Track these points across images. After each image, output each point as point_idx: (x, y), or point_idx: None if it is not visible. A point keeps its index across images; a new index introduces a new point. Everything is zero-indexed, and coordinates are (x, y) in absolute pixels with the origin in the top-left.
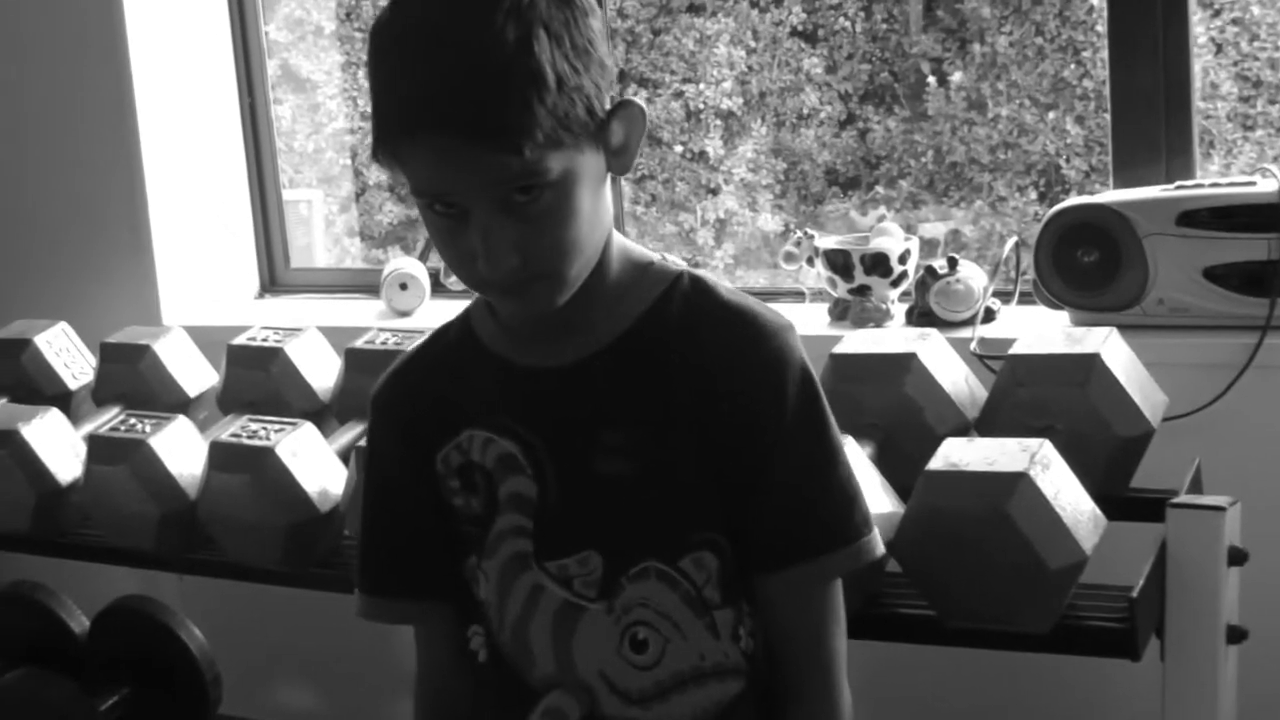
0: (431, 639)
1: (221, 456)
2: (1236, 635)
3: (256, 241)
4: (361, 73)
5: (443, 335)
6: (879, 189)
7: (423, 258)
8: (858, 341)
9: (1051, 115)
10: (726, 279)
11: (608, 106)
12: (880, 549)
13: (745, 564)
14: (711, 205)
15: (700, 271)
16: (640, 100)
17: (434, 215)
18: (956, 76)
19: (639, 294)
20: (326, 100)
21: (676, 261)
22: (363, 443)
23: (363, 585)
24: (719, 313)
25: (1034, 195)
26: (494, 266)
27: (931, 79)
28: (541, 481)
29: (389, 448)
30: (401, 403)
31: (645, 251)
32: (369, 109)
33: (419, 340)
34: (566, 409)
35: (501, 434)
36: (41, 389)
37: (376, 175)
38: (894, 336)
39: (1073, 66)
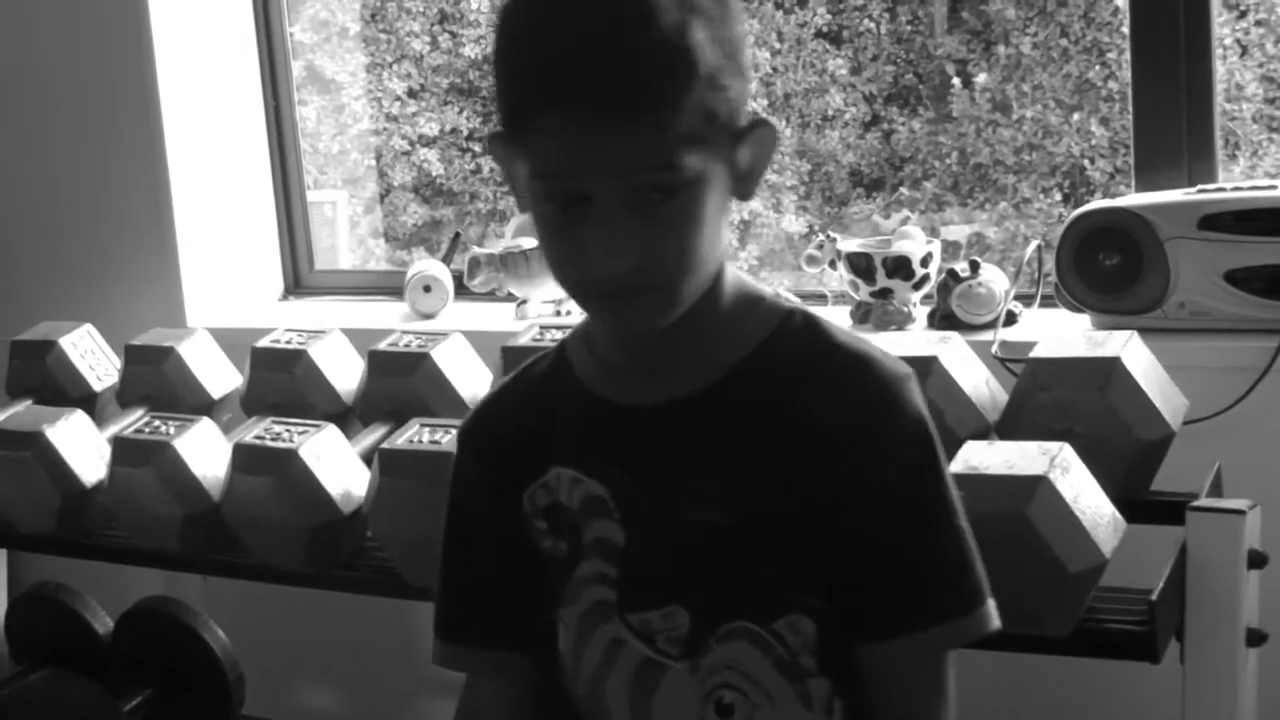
0: (503, 690)
1: (245, 458)
2: (1256, 638)
3: (281, 243)
4: (385, 74)
5: (533, 368)
6: (903, 190)
7: (446, 260)
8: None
9: (1076, 117)
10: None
11: (743, 123)
12: (995, 621)
13: (844, 630)
14: (735, 206)
15: (815, 311)
16: (775, 121)
17: (549, 207)
18: (981, 78)
19: (748, 330)
20: (351, 101)
21: (790, 298)
22: (385, 444)
23: (439, 630)
24: (832, 355)
25: (1058, 197)
26: (612, 261)
27: (956, 80)
28: (629, 527)
29: (473, 484)
30: (487, 437)
31: (759, 285)
32: (393, 110)
33: (510, 374)
34: (662, 451)
35: (590, 474)
36: (66, 391)
37: (401, 176)
38: (915, 339)
39: (1097, 68)
